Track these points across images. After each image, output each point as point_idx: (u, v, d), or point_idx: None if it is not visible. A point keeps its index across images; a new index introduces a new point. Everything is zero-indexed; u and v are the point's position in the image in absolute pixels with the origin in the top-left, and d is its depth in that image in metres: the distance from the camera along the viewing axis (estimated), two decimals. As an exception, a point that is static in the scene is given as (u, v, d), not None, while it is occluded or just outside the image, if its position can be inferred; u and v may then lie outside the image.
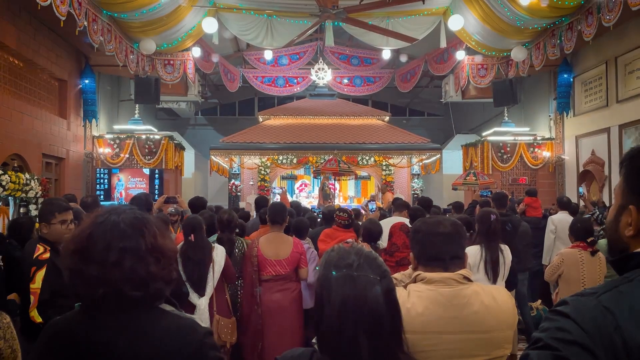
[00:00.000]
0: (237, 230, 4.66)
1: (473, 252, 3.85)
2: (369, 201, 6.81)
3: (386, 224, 4.58)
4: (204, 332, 1.30)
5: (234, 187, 14.53)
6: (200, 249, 3.73)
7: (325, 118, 15.91)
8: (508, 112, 12.91)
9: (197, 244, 3.76)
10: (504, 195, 6.16)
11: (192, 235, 3.77)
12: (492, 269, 3.78)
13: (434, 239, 1.76)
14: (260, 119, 16.28)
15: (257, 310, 3.76)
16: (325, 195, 13.38)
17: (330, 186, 13.91)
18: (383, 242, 4.54)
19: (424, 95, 18.64)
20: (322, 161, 14.42)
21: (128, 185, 11.32)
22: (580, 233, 4.34)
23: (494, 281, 3.81)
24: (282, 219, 3.97)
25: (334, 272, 1.25)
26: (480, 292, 1.73)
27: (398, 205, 5.46)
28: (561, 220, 6.12)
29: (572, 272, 4.20)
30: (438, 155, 14.32)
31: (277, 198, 9.63)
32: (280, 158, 14.60)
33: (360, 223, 5.50)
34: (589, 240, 4.29)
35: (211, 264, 3.78)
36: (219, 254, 3.99)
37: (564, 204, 6.26)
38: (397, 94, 17.99)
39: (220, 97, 18.69)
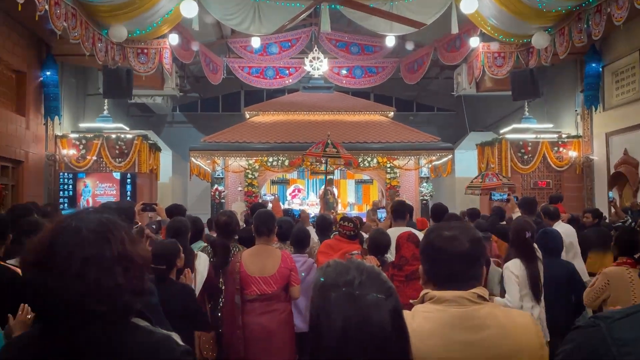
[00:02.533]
0: (237, 238, 4.68)
1: (516, 267, 3.92)
2: (378, 208, 6.83)
3: (391, 235, 4.59)
4: (182, 350, 1.29)
5: (217, 193, 14.51)
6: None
7: (320, 114, 15.93)
8: (529, 106, 12.98)
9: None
10: (533, 201, 6.15)
11: (175, 239, 3.79)
12: (533, 289, 3.86)
13: (448, 258, 1.73)
14: (247, 116, 16.28)
15: (240, 334, 3.72)
16: (328, 204, 13.39)
17: (334, 193, 13.95)
18: (391, 254, 4.55)
19: (433, 87, 18.71)
20: (317, 164, 14.45)
21: (96, 192, 11.27)
22: (626, 246, 4.11)
23: (538, 300, 3.89)
24: (268, 229, 3.95)
25: (332, 291, 1.24)
26: (498, 313, 1.72)
27: (396, 212, 5.22)
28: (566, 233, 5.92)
29: (620, 296, 3.94)
30: (450, 156, 14.36)
31: (269, 206, 9.65)
32: (270, 160, 14.60)
33: (364, 234, 5.50)
34: (637, 256, 4.08)
35: (193, 274, 3.78)
36: (202, 262, 3.98)
37: (551, 214, 6.16)
38: (402, 87, 18.04)
39: (202, 90, 18.70)
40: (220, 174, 14.91)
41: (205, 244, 4.58)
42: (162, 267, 3.35)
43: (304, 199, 16.83)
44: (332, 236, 5.55)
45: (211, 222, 6.80)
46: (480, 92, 13.65)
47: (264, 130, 15.09)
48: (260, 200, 14.32)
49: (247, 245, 4.56)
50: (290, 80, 16.44)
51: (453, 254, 1.73)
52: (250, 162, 14.77)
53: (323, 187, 15.23)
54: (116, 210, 3.28)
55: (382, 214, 6.19)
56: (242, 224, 8.28)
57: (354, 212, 15.65)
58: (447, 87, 16.08)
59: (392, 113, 16.51)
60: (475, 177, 10.88)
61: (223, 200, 14.63)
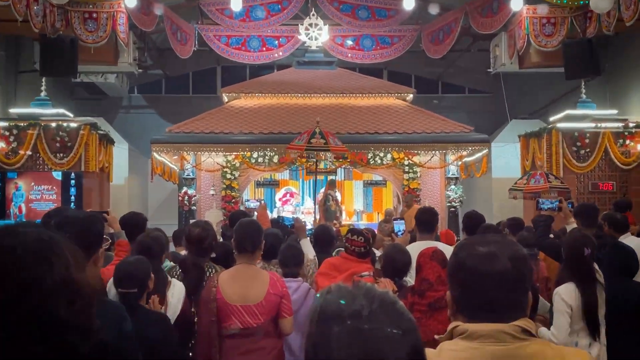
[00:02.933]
0: (214, 256, 4.68)
1: (569, 294, 3.93)
2: (394, 219, 6.83)
3: (412, 251, 4.60)
4: None
5: (186, 198, 14.54)
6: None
7: (319, 97, 15.98)
8: (586, 87, 13.01)
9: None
10: (592, 208, 6.13)
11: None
12: (589, 321, 3.88)
13: (483, 281, 1.73)
14: (225, 99, 16.31)
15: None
16: (329, 212, 13.42)
17: (336, 198, 13.97)
18: (412, 277, 4.54)
19: (463, 63, 18.76)
20: (313, 160, 14.46)
21: (31, 197, 11.28)
22: None
23: (594, 335, 3.90)
24: (252, 244, 3.95)
25: (334, 325, 1.23)
26: (548, 353, 1.72)
27: (423, 223, 5.32)
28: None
29: None
30: (485, 151, 14.40)
31: (254, 215, 9.62)
32: (255, 155, 14.62)
33: (376, 251, 5.50)
34: None
35: (163, 308, 3.77)
36: (176, 293, 3.96)
37: (617, 225, 6.11)
38: (424, 62, 18.09)
39: (167, 66, 18.77)
40: (191, 174, 14.93)
41: (173, 265, 4.57)
42: (133, 291, 3.36)
43: (297, 206, 16.85)
44: (334, 253, 5.54)
45: (179, 236, 6.80)
46: (523, 69, 13.68)
47: (247, 118, 15.10)
48: (242, 208, 14.33)
49: (225, 265, 4.54)
50: (281, 54, 16.50)
51: (490, 276, 1.73)
52: (229, 158, 14.78)
53: (322, 190, 15.27)
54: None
55: (399, 226, 6.19)
56: (218, 237, 8.27)
57: (362, 223, 15.68)
58: (482, 63, 16.10)
59: (411, 96, 16.56)
60: (521, 178, 10.90)
61: (194, 208, 14.66)
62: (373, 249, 5.49)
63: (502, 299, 1.74)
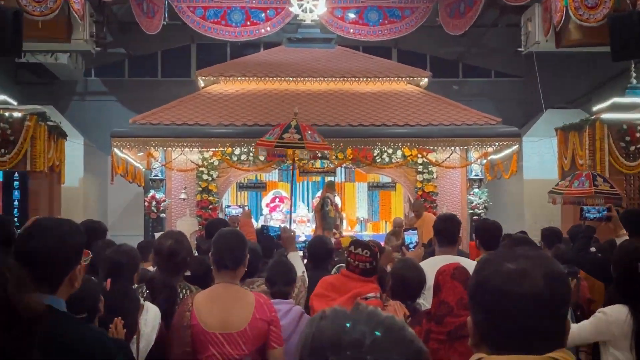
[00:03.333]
0: (188, 274, 4.70)
1: (617, 316, 3.95)
2: (405, 229, 6.84)
3: (428, 268, 4.59)
4: None
5: (154, 203, 14.51)
6: (119, 308, 3.72)
7: (315, 81, 15.99)
8: (637, 70, 13.01)
9: (114, 298, 3.76)
10: None
11: (109, 280, 3.74)
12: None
13: (512, 305, 1.73)
14: (201, 83, 16.30)
15: None
16: (328, 220, 13.36)
17: (336, 203, 13.89)
18: (426, 300, 4.55)
19: (489, 41, 18.78)
20: (306, 159, 14.42)
21: (-35, 202, 11.22)
22: None
23: None
24: (235, 259, 3.98)
25: (330, 356, 1.23)
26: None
27: (443, 234, 5.33)
28: None
29: None
30: (515, 146, 14.40)
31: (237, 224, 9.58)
32: (237, 152, 14.58)
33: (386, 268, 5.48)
34: None
35: (134, 337, 3.76)
36: (150, 321, 3.96)
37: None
38: (441, 39, 18.10)
39: (131, 44, 18.74)
40: (160, 174, 14.91)
41: (138, 284, 4.57)
42: (82, 316, 3.36)
43: (288, 213, 16.78)
44: (333, 270, 5.53)
45: (145, 249, 6.78)
46: (561, 48, 13.69)
47: (227, 107, 15.08)
48: (221, 215, 14.30)
49: (201, 284, 4.54)
50: (268, 29, 16.49)
51: (519, 298, 1.72)
52: (206, 155, 14.76)
53: (319, 194, 15.19)
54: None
55: (411, 237, 6.19)
56: (193, 251, 8.22)
57: (367, 234, 15.66)
58: (511, 41, 16.13)
59: (426, 80, 16.55)
60: (564, 179, 10.84)
61: (163, 215, 14.62)
62: (385, 266, 5.49)
63: (534, 326, 1.73)
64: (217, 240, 4.08)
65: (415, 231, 6.31)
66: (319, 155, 11.93)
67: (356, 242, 4.77)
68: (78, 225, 2.82)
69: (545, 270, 1.76)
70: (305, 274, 5.33)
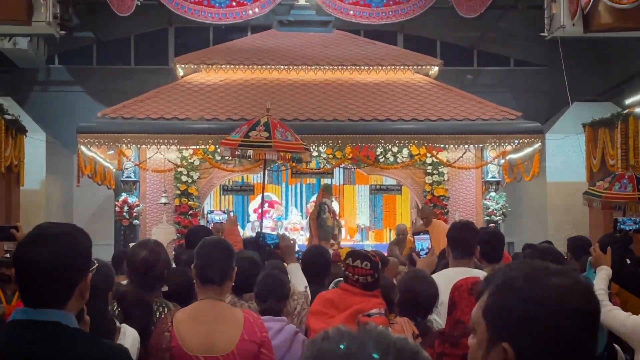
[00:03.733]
0: (166, 289, 4.65)
1: None
2: (416, 233, 6.77)
3: (442, 282, 4.56)
4: None
5: (126, 208, 14.47)
6: (93, 333, 3.68)
7: (309, 70, 16.00)
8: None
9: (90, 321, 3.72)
10: None
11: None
12: None
13: (577, 324, 1.75)
14: (180, 72, 16.29)
15: None
16: (325, 228, 13.29)
17: (333, 210, 13.80)
18: (440, 316, 4.55)
19: (507, 25, 18.79)
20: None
21: None
22: None
23: None
24: (220, 273, 3.97)
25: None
26: None
27: (458, 243, 5.34)
28: None
29: None
30: (537, 145, 14.42)
31: (221, 232, 9.51)
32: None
33: (394, 281, 5.42)
34: None
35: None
36: (127, 345, 3.90)
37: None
38: (454, 23, 18.07)
39: (100, 28, 18.74)
40: (133, 176, 14.88)
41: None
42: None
43: (280, 219, 16.79)
44: (331, 285, 5.49)
45: (117, 261, 6.74)
46: (590, 33, 13.66)
47: (210, 99, 15.08)
48: (203, 222, 14.26)
49: (181, 301, 4.53)
50: (257, 10, 16.41)
51: (584, 316, 1.75)
52: (186, 153, 14.73)
53: (314, 198, 15.12)
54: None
55: (422, 242, 6.13)
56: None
57: (369, 244, 15.64)
58: (533, 24, 16.11)
59: (436, 69, 16.58)
60: (603, 179, 10.79)
61: (136, 222, 14.60)
62: (388, 278, 5.44)
63: (583, 347, 1.77)
64: (200, 250, 4.07)
65: (427, 235, 6.17)
66: (293, 157, 11.81)
67: (353, 254, 4.75)
68: (82, 230, 2.82)
69: (587, 285, 1.81)
70: (308, 290, 5.29)
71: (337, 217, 14.44)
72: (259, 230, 9.37)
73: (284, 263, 5.84)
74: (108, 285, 4.19)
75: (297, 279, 5.23)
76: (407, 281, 4.54)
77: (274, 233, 8.21)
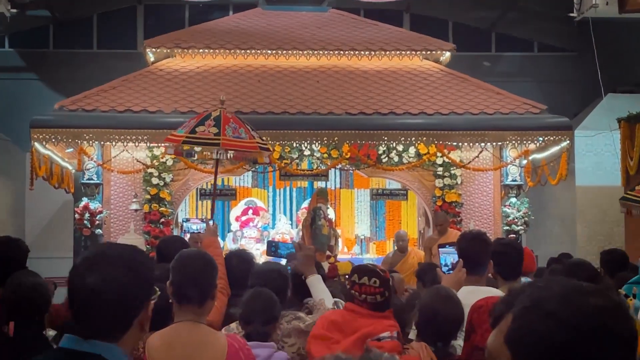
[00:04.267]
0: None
1: None
2: (440, 246, 6.73)
3: (462, 300, 4.57)
4: None
5: (87, 216, 14.45)
6: None
7: (301, 55, 15.98)
8: None
9: (21, 347, 3.78)
10: None
11: (11, 324, 3.79)
12: None
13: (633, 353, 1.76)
14: (151, 57, 16.27)
15: None
16: (320, 238, 13.22)
17: (330, 218, 13.72)
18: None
19: (530, 4, 18.77)
20: (293, 155, 14.39)
21: None
22: None
23: None
24: (201, 291, 3.99)
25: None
26: None
27: (468, 257, 5.29)
28: None
29: None
30: (565, 143, 14.42)
31: (199, 244, 9.46)
32: (198, 148, 14.36)
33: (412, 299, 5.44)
34: None
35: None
36: None
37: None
38: (469, 1, 18.09)
39: (58, 5, 18.66)
40: (95, 177, 14.83)
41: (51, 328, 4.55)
42: None
43: (265, 229, 16.76)
44: (330, 304, 5.53)
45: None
46: (626, 14, 13.71)
47: (185, 88, 15.05)
48: (177, 232, 14.26)
49: (153, 324, 4.50)
50: (240, -14, 16.43)
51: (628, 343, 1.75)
52: (157, 152, 14.68)
53: (306, 204, 15.08)
54: None
55: (446, 256, 6.11)
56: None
57: (370, 258, 15.65)
58: (560, 3, 16.15)
59: (448, 54, 16.57)
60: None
61: (99, 231, 14.56)
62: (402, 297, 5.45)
63: None
64: (178, 265, 4.09)
65: (453, 248, 6.11)
66: (250, 160, 11.75)
67: (360, 270, 4.72)
68: (143, 251, 2.82)
69: (626, 307, 1.84)
70: (340, 304, 5.23)
71: (333, 226, 14.40)
72: (271, 239, 9.31)
73: (303, 276, 5.71)
74: (44, 307, 4.19)
75: (321, 293, 5.21)
76: (429, 300, 4.53)
77: (289, 242, 8.19)
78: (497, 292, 4.96)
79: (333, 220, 15.00)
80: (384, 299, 4.56)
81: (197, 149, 10.51)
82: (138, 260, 2.58)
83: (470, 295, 4.55)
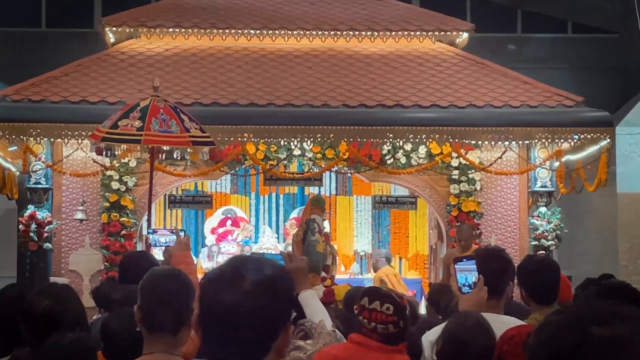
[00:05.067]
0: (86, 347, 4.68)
1: None
2: (456, 260, 6.62)
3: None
4: None
5: (33, 227, 14.43)
6: None
7: (291, 36, 16.00)
8: None
9: None
10: None
11: None
12: None
13: None
14: (111, 38, 16.25)
15: None
16: (314, 256, 13.14)
17: (327, 232, 13.69)
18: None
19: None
20: (280, 156, 14.41)
21: None
22: None
23: None
24: (176, 318, 3.98)
25: None
26: None
27: (485, 278, 5.27)
28: None
29: None
30: (605, 142, 14.44)
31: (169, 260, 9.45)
32: (166, 147, 14.39)
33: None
34: None
35: None
36: None
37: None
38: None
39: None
40: (44, 181, 14.83)
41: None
42: None
43: (247, 243, 16.74)
44: (326, 339, 5.55)
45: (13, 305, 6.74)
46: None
47: (152, 75, 14.95)
48: (141, 247, 14.26)
49: (119, 356, 4.57)
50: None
51: None
52: (118, 151, 14.68)
53: (296, 214, 15.08)
54: None
55: (466, 275, 6.02)
56: (94, 312, 8.21)
57: (370, 278, 15.64)
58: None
59: (466, 36, 16.60)
60: None
61: (48, 246, 14.55)
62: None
63: None
64: (147, 285, 4.10)
65: (473, 263, 6.00)
66: (180, 155, 11.76)
67: (372, 292, 4.71)
68: (278, 265, 2.82)
69: None
70: (339, 334, 5.18)
71: (330, 242, 14.34)
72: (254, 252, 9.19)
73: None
74: None
75: (320, 313, 5.14)
76: (453, 328, 4.55)
77: (276, 252, 8.18)
78: (516, 322, 4.97)
79: (329, 233, 14.91)
80: (398, 330, 4.57)
81: (124, 146, 10.60)
82: (275, 275, 2.61)
83: (503, 323, 4.54)
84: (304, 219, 13.99)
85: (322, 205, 14.33)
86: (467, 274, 5.61)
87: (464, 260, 5.68)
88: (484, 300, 5.17)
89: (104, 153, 11.24)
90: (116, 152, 11.15)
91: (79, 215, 14.65)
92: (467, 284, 5.56)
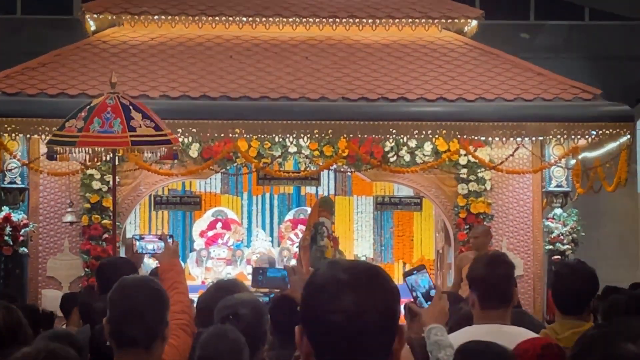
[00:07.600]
0: None
1: None
2: (407, 275, 6.57)
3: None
4: None
5: (8, 230, 14.40)
6: None
7: (286, 23, 16.02)
8: None
9: None
10: None
11: None
12: None
13: None
14: (92, 25, 16.27)
15: None
16: (322, 262, 13.10)
17: (335, 236, 13.66)
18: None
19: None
20: (275, 153, 14.37)
21: None
22: None
23: None
24: (148, 331, 4.00)
25: None
26: None
27: (486, 286, 5.29)
28: None
29: None
30: (625, 138, 14.46)
31: (148, 267, 9.39)
32: (99, 148, 14.40)
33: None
34: None
35: None
36: None
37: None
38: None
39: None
40: (19, 181, 14.85)
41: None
42: None
43: (239, 247, 16.75)
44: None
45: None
46: None
47: (136, 66, 15.08)
48: (123, 252, 14.23)
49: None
50: None
51: None
52: (99, 148, 14.65)
53: (291, 216, 15.07)
54: None
55: (420, 279, 5.88)
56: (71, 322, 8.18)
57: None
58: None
59: (475, 23, 16.62)
60: None
61: (24, 250, 14.54)
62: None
63: None
64: (117, 296, 4.09)
65: (424, 273, 5.87)
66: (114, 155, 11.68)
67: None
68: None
69: None
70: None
71: (339, 247, 14.26)
72: (257, 267, 9.13)
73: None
74: None
75: None
76: (471, 347, 4.47)
77: (280, 267, 8.13)
78: (527, 334, 4.95)
79: (338, 239, 14.79)
80: None
81: (75, 151, 10.56)
82: (386, 276, 2.55)
83: (488, 336, 4.50)
84: (311, 222, 13.95)
85: (331, 207, 14.30)
86: (419, 278, 5.40)
87: (414, 272, 5.51)
88: (445, 309, 5.15)
89: (49, 157, 11.18)
90: (56, 156, 10.97)
91: (69, 218, 14.64)
92: (424, 295, 5.32)
